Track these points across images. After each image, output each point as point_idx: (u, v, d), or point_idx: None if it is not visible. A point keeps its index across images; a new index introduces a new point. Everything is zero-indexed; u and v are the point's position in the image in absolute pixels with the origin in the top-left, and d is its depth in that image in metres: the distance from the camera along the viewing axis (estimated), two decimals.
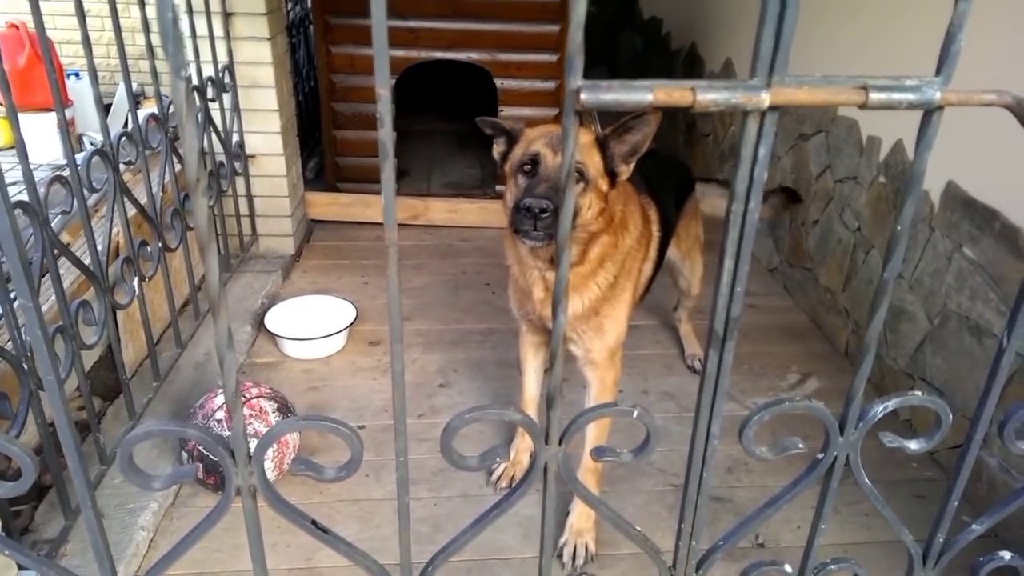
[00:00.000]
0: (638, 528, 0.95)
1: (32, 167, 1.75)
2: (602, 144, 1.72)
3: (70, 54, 4.38)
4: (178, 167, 2.68)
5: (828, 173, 3.11)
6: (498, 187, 4.13)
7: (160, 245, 2.45)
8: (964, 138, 1.98)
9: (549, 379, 0.80)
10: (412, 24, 3.80)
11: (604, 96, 0.62)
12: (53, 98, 1.89)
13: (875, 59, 2.76)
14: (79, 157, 1.98)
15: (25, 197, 1.72)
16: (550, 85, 3.98)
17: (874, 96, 0.65)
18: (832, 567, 1.03)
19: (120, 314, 2.36)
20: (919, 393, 0.89)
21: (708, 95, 0.63)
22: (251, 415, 2.14)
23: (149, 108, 2.88)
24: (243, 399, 2.15)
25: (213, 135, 3.04)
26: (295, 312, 3.05)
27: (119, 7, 2.22)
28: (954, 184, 2.34)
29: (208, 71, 2.96)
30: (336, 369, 2.85)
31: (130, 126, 2.29)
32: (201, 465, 2.08)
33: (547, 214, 1.62)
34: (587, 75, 0.62)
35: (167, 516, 2.10)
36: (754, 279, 3.41)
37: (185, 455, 2.16)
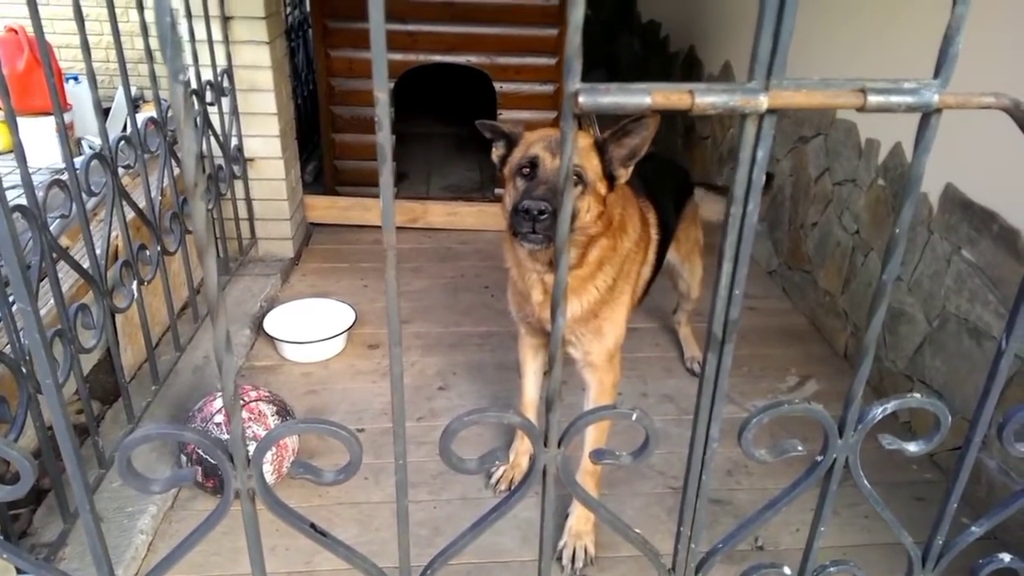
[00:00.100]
0: (637, 530, 0.95)
1: (31, 171, 1.76)
2: (601, 147, 1.72)
3: (69, 58, 4.40)
4: (177, 171, 2.68)
5: (827, 176, 3.11)
6: (497, 190, 4.13)
7: (159, 249, 2.45)
8: (962, 140, 1.98)
9: (548, 382, 0.80)
10: (411, 28, 3.81)
11: (602, 99, 0.62)
12: (52, 102, 1.89)
13: (873, 62, 2.76)
14: (78, 161, 1.98)
15: (24, 201, 1.72)
16: (549, 88, 3.98)
17: (872, 99, 0.65)
18: (831, 569, 1.03)
19: (119, 318, 2.36)
20: (918, 395, 0.89)
21: (706, 98, 0.63)
22: (250, 418, 2.14)
23: (148, 112, 2.87)
24: (242, 402, 2.15)
25: (212, 139, 3.05)
26: (294, 315, 3.04)
27: (118, 11, 2.23)
28: (953, 186, 2.35)
29: (207, 75, 2.96)
30: (335, 372, 2.84)
31: (129, 130, 2.30)
32: (200, 468, 2.08)
33: (545, 216, 1.62)
34: (585, 78, 0.62)
35: (166, 519, 2.10)
36: (753, 282, 3.41)
37: (184, 458, 2.15)
